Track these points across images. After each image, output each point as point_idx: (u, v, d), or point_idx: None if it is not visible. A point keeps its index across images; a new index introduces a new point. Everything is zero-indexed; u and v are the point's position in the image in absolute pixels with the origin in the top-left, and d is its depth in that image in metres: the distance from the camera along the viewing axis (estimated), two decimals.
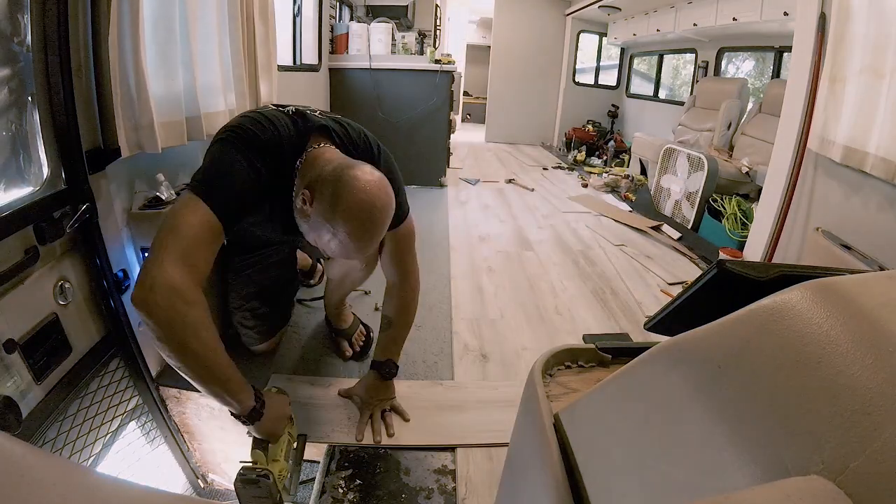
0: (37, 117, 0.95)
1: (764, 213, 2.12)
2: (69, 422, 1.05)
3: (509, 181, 4.02)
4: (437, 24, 5.66)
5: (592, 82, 6.20)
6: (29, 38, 0.91)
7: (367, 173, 0.87)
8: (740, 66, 4.46)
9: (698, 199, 2.80)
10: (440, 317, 1.79)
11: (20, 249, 0.93)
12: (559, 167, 4.76)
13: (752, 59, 4.32)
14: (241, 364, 1.01)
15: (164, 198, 1.31)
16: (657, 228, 2.87)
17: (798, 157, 1.91)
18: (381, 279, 2.13)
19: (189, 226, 0.82)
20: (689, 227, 2.82)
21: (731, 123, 3.54)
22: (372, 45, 3.43)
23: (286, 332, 1.58)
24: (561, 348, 0.68)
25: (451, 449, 1.17)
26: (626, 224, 2.97)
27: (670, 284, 2.15)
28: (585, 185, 3.95)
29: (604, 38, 5.95)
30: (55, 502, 0.29)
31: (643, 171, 4.05)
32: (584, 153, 5.11)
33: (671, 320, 0.50)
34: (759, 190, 2.31)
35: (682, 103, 4.42)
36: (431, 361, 1.52)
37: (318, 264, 1.88)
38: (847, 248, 1.58)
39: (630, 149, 4.44)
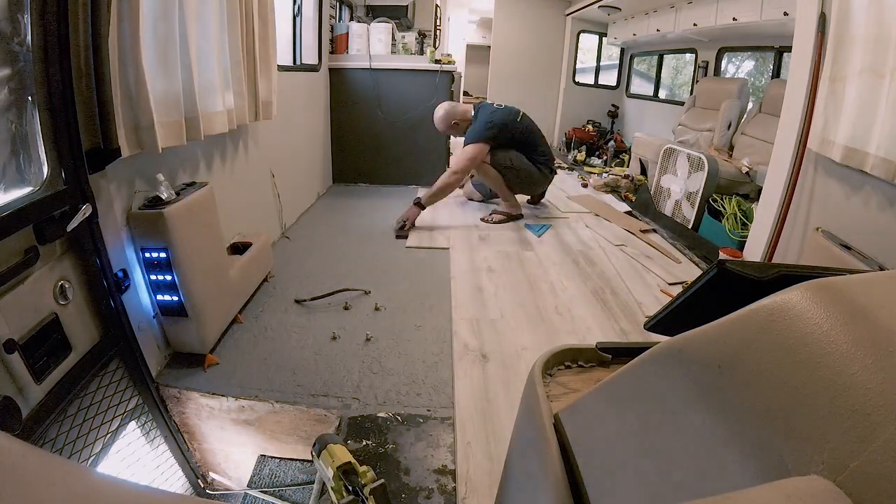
0: (37, 117, 0.95)
1: (764, 213, 2.12)
2: (69, 422, 1.05)
3: None
4: (437, 24, 5.66)
5: (592, 82, 6.20)
6: (29, 38, 0.91)
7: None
8: (740, 66, 4.45)
9: (698, 199, 2.80)
10: (440, 317, 1.79)
11: (20, 249, 0.93)
12: (559, 167, 4.76)
13: (752, 59, 4.31)
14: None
15: (164, 197, 1.30)
16: (648, 232, 2.87)
17: (798, 157, 1.91)
18: (382, 281, 2.12)
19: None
20: (690, 226, 2.82)
21: (731, 123, 3.54)
22: (372, 45, 3.43)
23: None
24: (561, 348, 0.68)
25: None
26: (619, 225, 2.97)
27: (670, 284, 2.14)
28: (585, 185, 3.94)
29: (604, 38, 5.95)
30: (55, 502, 0.29)
31: (643, 171, 4.05)
32: (584, 153, 5.10)
33: (671, 320, 0.50)
34: (759, 190, 2.31)
35: (682, 103, 4.42)
36: (431, 361, 1.52)
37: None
38: (847, 248, 1.58)
39: (630, 149, 4.43)
